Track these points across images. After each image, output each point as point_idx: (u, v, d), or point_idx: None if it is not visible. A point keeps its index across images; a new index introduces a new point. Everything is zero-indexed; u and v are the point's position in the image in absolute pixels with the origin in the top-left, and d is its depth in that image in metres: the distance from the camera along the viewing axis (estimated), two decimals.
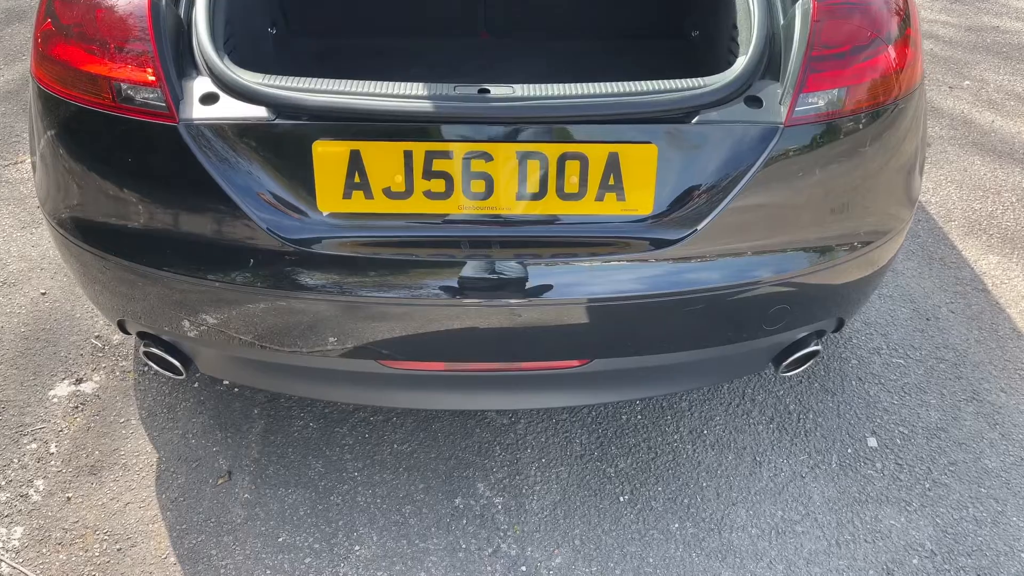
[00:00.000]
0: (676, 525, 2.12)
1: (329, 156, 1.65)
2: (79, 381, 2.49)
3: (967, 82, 4.46)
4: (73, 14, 1.74)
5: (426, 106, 1.63)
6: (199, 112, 1.66)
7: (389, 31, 2.76)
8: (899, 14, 1.82)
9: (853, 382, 2.54)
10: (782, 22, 1.78)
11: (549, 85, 1.67)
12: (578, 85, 1.67)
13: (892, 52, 1.78)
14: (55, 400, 2.42)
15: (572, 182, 1.69)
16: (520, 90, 1.66)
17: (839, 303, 1.99)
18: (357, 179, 1.67)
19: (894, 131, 1.82)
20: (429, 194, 1.69)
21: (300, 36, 2.73)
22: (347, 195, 1.69)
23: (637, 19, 2.79)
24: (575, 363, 1.88)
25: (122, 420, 2.37)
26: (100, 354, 2.57)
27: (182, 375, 2.03)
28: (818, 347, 2.03)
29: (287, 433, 2.33)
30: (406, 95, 1.64)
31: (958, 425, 2.41)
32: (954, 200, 3.44)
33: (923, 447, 2.34)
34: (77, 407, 2.41)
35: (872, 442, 2.35)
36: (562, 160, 1.67)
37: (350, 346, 1.81)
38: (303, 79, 1.67)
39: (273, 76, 1.68)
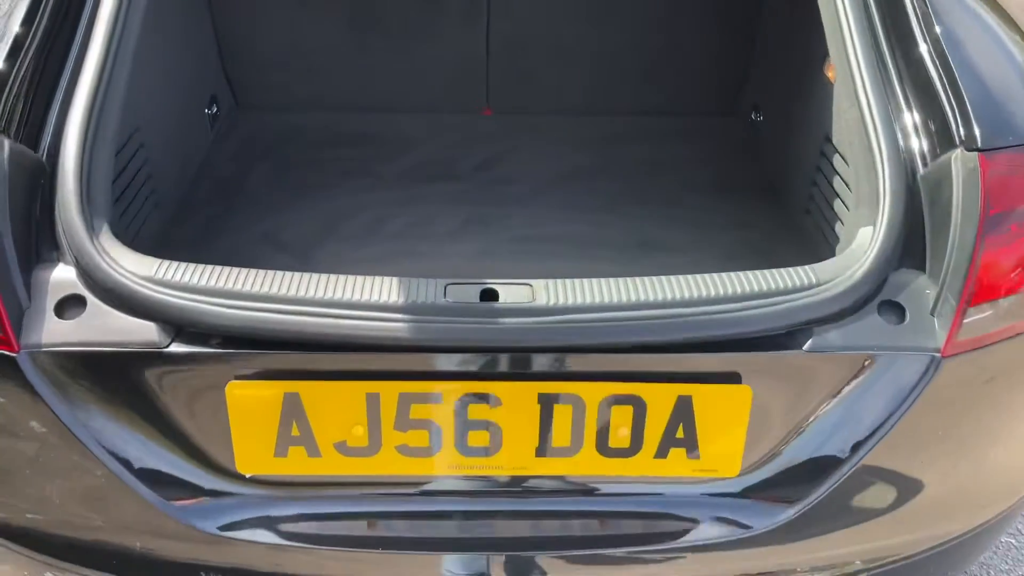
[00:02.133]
0: None
1: (252, 401, 1.08)
2: None
3: None
4: None
5: (399, 325, 1.03)
6: (52, 331, 1.07)
7: (368, 106, 2.13)
8: None
9: None
10: (921, 171, 1.19)
11: (586, 285, 1.08)
12: (629, 283, 1.08)
13: None
14: None
15: (621, 435, 1.12)
16: (543, 293, 1.07)
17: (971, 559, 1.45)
18: (296, 431, 1.10)
19: None
20: (404, 450, 1.12)
21: (251, 112, 2.12)
22: (281, 452, 1.12)
23: (677, 92, 2.17)
24: None
25: None
26: None
27: None
28: None
29: None
30: (369, 305, 1.05)
31: None
32: None
33: None
34: None
35: None
36: (606, 405, 1.10)
37: None
38: (213, 270, 1.07)
39: (170, 265, 1.08)
